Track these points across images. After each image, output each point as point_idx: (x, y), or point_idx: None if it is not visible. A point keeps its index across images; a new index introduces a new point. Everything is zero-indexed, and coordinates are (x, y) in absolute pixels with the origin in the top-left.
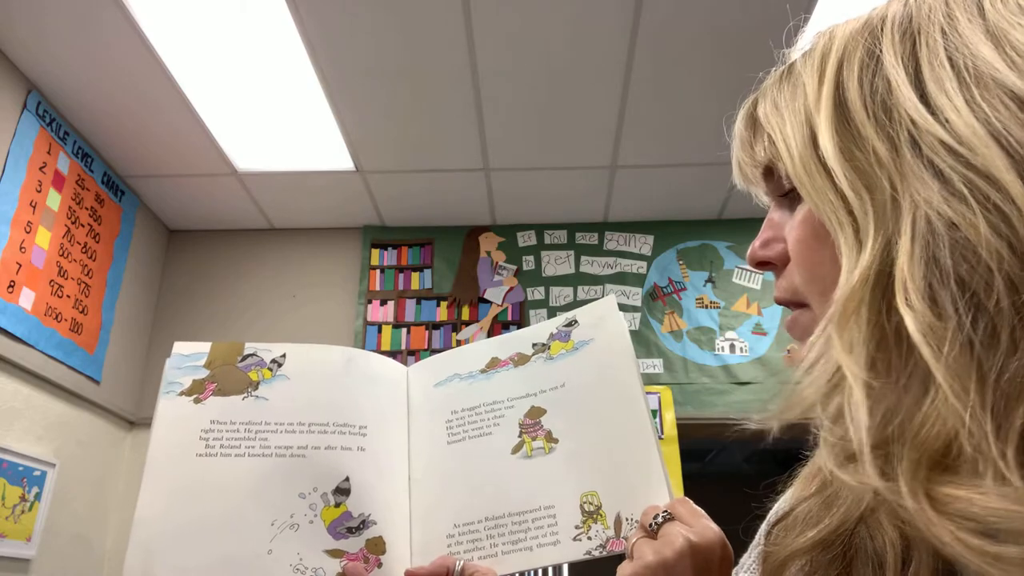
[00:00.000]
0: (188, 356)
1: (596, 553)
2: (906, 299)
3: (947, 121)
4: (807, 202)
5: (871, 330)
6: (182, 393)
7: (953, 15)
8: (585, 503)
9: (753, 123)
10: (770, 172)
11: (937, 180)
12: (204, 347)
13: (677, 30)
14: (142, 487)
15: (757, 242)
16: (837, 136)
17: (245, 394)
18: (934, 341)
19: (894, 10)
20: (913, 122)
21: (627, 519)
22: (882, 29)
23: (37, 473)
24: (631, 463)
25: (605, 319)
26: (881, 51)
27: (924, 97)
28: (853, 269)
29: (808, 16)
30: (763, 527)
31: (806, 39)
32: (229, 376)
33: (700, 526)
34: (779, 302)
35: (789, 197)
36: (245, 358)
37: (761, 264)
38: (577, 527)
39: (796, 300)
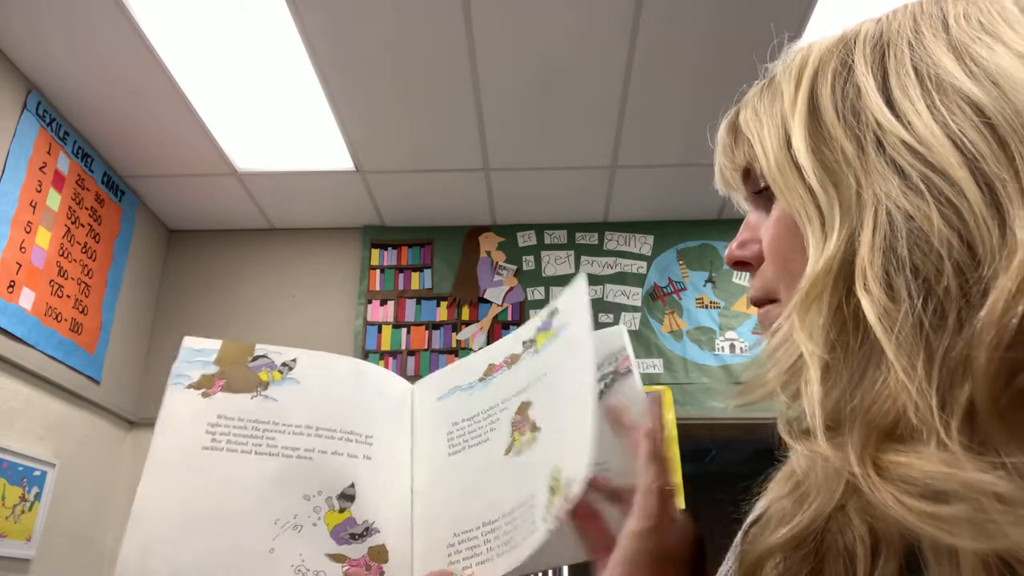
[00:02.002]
0: (198, 351)
1: (553, 526)
2: (864, 285)
3: (909, 123)
4: (779, 198)
5: (831, 315)
6: (190, 386)
7: (920, 30)
8: (552, 481)
9: (734, 130)
10: (748, 174)
11: (898, 176)
12: (215, 344)
13: (677, 30)
14: (144, 477)
15: (734, 244)
16: (809, 137)
17: (254, 393)
18: (887, 322)
19: (867, 27)
20: (879, 124)
21: (566, 481)
22: (855, 42)
23: (37, 473)
24: (575, 427)
25: (575, 301)
26: (853, 61)
27: (890, 102)
28: (819, 259)
29: (806, 18)
30: (740, 533)
31: (790, 51)
32: (239, 374)
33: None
34: (754, 301)
35: (764, 196)
36: (256, 359)
37: (738, 264)
38: (547, 507)
39: (768, 297)
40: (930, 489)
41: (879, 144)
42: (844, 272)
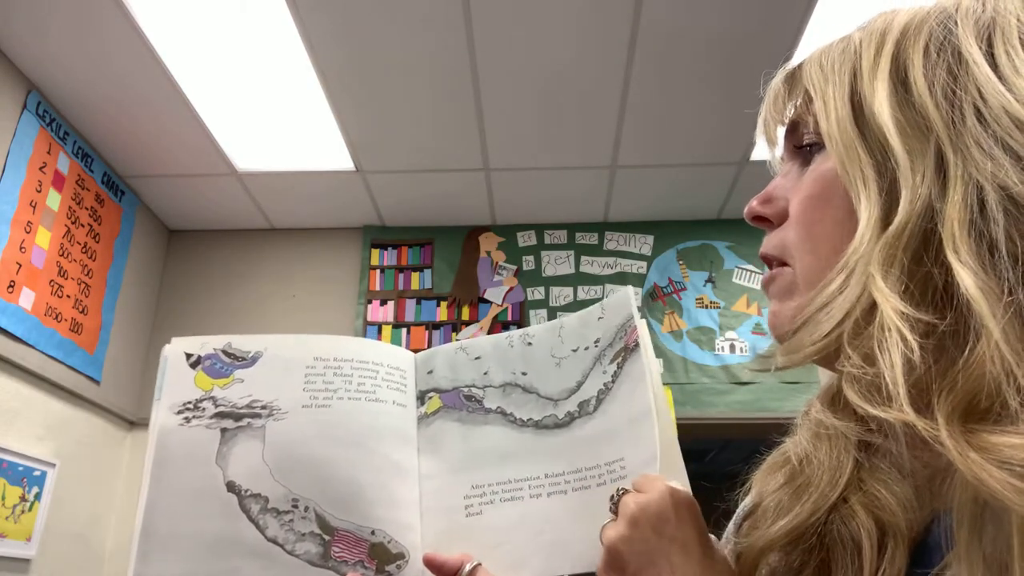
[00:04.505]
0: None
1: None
2: (959, 258)
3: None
4: (834, 157)
5: (913, 277)
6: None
7: None
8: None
9: (792, 80)
10: (795, 127)
11: (1008, 156)
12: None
13: (677, 30)
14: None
15: (756, 200)
16: (892, 99)
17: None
18: (990, 301)
19: (967, 2)
20: (982, 96)
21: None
22: (957, 10)
23: (37, 473)
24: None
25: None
26: (956, 26)
27: (999, 75)
28: (873, 222)
29: (806, 18)
30: (731, 525)
31: (872, 15)
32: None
33: (649, 488)
34: (764, 257)
35: (804, 153)
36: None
37: (757, 219)
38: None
39: (781, 257)
40: None
41: (980, 117)
42: (924, 238)
